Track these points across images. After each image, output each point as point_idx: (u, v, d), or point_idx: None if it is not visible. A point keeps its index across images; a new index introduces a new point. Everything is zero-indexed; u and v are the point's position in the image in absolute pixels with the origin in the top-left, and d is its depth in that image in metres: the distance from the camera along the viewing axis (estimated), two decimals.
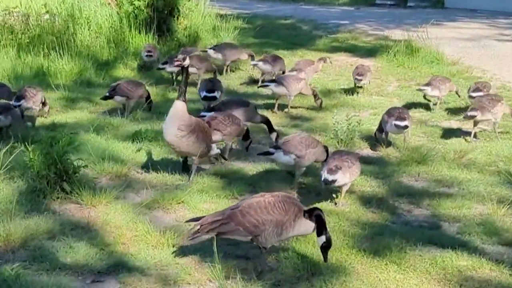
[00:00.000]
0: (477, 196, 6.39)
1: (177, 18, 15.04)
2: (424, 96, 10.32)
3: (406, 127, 7.82)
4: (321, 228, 4.60)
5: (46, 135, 6.88)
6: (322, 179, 5.91)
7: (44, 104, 9.12)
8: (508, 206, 5.95)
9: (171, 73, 11.68)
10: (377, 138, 8.21)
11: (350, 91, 11.46)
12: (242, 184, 6.76)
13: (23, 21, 13.98)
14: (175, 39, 14.67)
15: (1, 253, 5.25)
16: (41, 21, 13.93)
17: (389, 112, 8.01)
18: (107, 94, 9.25)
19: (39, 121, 9.17)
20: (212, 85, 9.72)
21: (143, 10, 14.33)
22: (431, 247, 5.31)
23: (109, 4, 14.51)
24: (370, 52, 15.17)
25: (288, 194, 4.96)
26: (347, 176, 5.97)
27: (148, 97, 9.69)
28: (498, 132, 8.61)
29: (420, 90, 10.21)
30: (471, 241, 5.38)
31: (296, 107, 10.61)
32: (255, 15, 22.32)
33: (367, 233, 5.62)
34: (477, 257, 4.98)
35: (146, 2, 14.25)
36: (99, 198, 6.28)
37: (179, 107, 6.16)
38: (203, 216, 4.73)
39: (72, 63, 12.41)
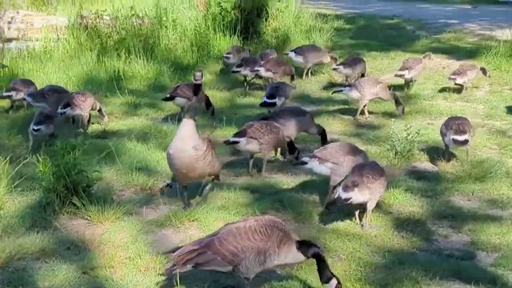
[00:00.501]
0: None
1: (266, 19, 14.83)
2: None
3: (466, 141, 7.32)
4: (325, 271, 4.42)
5: (59, 145, 6.86)
6: (336, 196, 5.64)
7: (100, 111, 9.30)
8: None
9: (245, 76, 11.57)
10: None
11: (433, 96, 11.56)
12: (269, 201, 6.56)
13: (109, 25, 14.18)
14: (263, 41, 14.47)
15: None
16: (128, 24, 14.12)
17: (448, 124, 7.51)
18: (168, 95, 9.31)
19: (92, 127, 9.37)
20: (275, 90, 9.52)
21: (230, 12, 14.35)
22: (453, 282, 5.01)
23: (197, 6, 14.01)
24: (470, 53, 14.29)
25: (274, 218, 4.74)
26: (366, 193, 5.60)
27: (208, 102, 9.71)
28: None
29: None
30: (504, 276, 4.97)
31: (373, 112, 10.37)
32: (361, 15, 22.13)
33: (386, 262, 5.28)
34: None
35: (233, 3, 14.03)
36: (107, 214, 6.23)
37: (189, 126, 5.76)
38: (181, 246, 4.55)
39: (148, 67, 12.52)
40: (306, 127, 8.05)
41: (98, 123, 9.34)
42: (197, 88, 6.12)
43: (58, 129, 8.60)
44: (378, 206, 6.16)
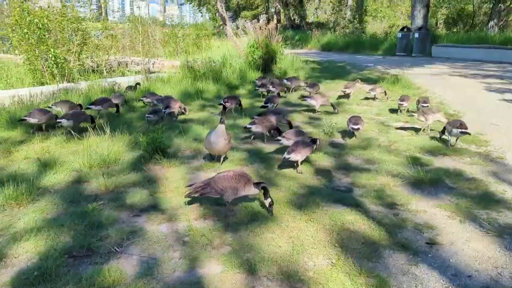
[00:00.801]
0: (384, 172, 6.13)
1: (275, 63, 16.51)
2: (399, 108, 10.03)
3: (358, 129, 7.65)
4: (267, 194, 4.67)
5: (159, 127, 7.04)
6: (283, 157, 6.05)
7: (184, 109, 9.68)
8: (400, 180, 5.78)
9: (261, 92, 12.20)
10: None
11: (352, 103, 11.41)
12: (255, 158, 6.70)
13: (199, 65, 15.11)
14: (273, 74, 15.90)
15: (98, 196, 5.28)
16: (207, 65, 15.18)
17: (350, 119, 7.84)
18: (221, 101, 9.53)
19: (180, 117, 9.50)
20: (268, 99, 9.91)
21: (257, 60, 16.07)
22: (337, 205, 5.01)
23: (241, 57, 15.08)
24: (375, 81, 14.65)
25: (243, 171, 4.96)
26: (297, 155, 5.99)
27: (240, 103, 10.14)
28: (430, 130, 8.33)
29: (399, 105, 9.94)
30: (363, 202, 5.11)
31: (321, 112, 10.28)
32: (326, 61, 22.99)
33: (305, 192, 5.42)
34: (360, 214, 4.77)
35: (259, 55, 15.46)
36: (172, 163, 6.36)
37: (222, 128, 5.86)
38: (195, 183, 4.82)
39: (214, 86, 13.50)
40: (280, 119, 8.19)
41: (183, 115, 9.64)
42: (224, 109, 6.37)
43: (161, 118, 8.94)
44: (307, 161, 6.51)
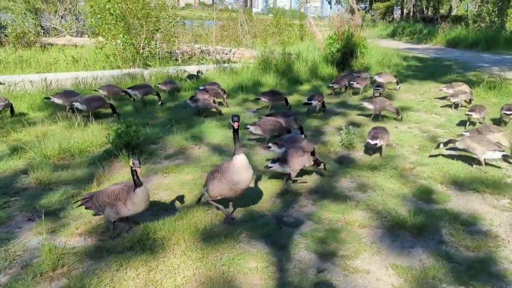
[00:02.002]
0: (367, 205, 4.72)
1: (356, 58, 14.86)
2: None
3: (375, 144, 6.16)
4: None
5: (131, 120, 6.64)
6: (266, 166, 5.33)
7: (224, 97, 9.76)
8: (375, 219, 4.39)
9: (333, 89, 11.14)
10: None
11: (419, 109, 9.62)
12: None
13: (274, 57, 14.39)
14: (351, 69, 14.12)
15: (23, 189, 5.01)
16: (282, 57, 14.34)
17: (369, 132, 6.48)
18: (258, 97, 9.28)
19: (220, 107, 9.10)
20: (312, 96, 8.98)
21: (335, 53, 14.66)
22: (254, 244, 3.92)
23: (319, 50, 13.82)
24: (470, 83, 11.32)
25: (129, 183, 4.00)
26: (286, 166, 5.15)
27: (286, 101, 9.35)
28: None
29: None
30: (295, 244, 3.85)
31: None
32: (434, 59, 19.29)
33: (237, 217, 4.39)
34: (269, 261, 3.54)
35: (337, 48, 14.00)
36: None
37: (242, 159, 4.03)
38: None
39: (274, 80, 12.58)
40: (290, 122, 7.19)
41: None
42: (235, 132, 5.44)
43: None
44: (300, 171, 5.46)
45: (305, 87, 12.50)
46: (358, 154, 6.60)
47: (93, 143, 6.50)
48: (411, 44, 31.80)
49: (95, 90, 9.77)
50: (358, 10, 68.77)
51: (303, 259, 3.75)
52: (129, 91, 9.66)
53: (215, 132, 7.49)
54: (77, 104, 8.15)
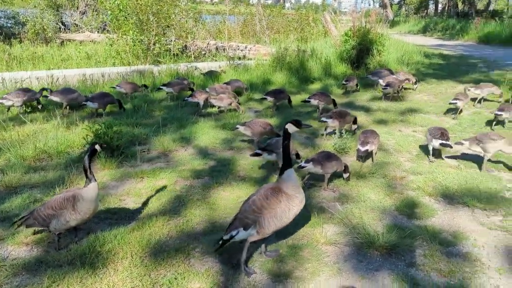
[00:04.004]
0: (340, 219, 4.32)
1: (372, 55, 13.94)
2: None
3: (366, 151, 5.79)
4: None
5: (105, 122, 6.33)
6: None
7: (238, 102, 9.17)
8: (344, 236, 4.04)
9: (347, 88, 10.99)
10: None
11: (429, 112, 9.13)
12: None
13: (288, 55, 13.50)
14: (367, 69, 13.50)
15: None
16: (296, 54, 13.63)
17: (359, 137, 6.14)
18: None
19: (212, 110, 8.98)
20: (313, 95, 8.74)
21: (350, 51, 13.94)
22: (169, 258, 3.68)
23: (334, 47, 13.44)
24: (495, 83, 10.27)
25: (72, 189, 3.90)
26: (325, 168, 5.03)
27: (289, 100, 9.15)
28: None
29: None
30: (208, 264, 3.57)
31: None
32: (460, 56, 18.63)
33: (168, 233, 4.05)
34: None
35: (352, 45, 13.79)
36: (113, 165, 5.64)
37: (292, 176, 3.48)
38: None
39: (284, 78, 12.17)
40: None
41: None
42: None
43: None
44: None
45: (316, 85, 12.03)
46: (350, 159, 6.15)
47: (74, 144, 6.34)
48: (442, 41, 30.68)
49: (113, 88, 9.78)
50: (391, 4, 67.18)
51: (253, 280, 3.42)
52: (164, 88, 9.63)
53: (207, 133, 7.25)
54: (88, 103, 8.11)
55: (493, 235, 4.15)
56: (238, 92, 10.35)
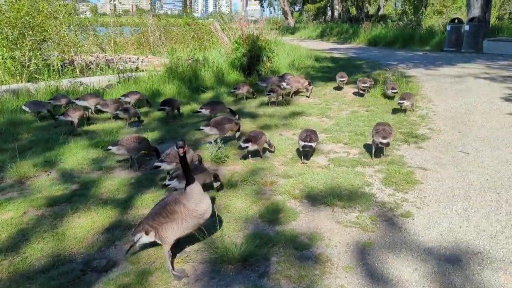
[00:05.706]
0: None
1: (263, 62, 14.00)
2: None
3: (311, 147, 5.89)
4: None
5: None
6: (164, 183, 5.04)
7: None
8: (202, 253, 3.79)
9: (238, 96, 11.16)
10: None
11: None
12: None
13: (180, 64, 13.33)
14: (258, 75, 13.70)
15: None
16: (186, 63, 13.54)
17: (301, 135, 6.07)
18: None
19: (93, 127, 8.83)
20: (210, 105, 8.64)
21: (241, 58, 14.02)
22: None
23: (226, 55, 13.38)
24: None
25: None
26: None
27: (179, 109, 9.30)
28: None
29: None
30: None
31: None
32: (348, 58, 19.64)
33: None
34: None
35: (242, 53, 13.84)
36: None
37: (197, 188, 3.50)
38: None
39: (174, 87, 11.94)
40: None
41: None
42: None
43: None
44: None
45: (208, 94, 11.90)
46: (229, 168, 5.98)
47: None
48: (336, 44, 32.48)
49: (119, 98, 9.54)
50: (292, 12, 70.46)
51: None
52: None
53: (75, 154, 6.70)
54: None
55: (347, 232, 4.19)
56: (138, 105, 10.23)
